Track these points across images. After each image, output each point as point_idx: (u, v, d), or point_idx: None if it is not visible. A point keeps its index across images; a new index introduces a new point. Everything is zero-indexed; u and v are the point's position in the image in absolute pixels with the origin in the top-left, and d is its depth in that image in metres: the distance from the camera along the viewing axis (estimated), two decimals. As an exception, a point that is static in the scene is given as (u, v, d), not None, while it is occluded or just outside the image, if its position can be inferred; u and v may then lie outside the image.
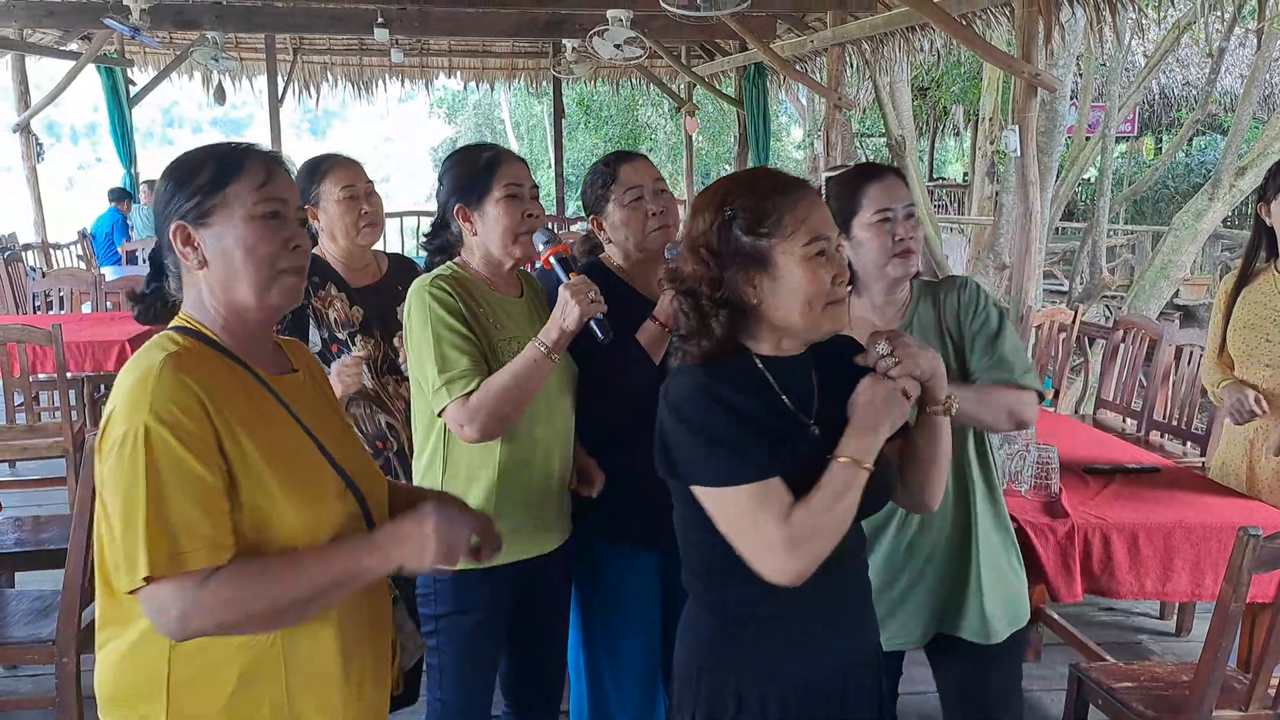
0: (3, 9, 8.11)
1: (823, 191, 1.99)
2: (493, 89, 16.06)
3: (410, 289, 1.98)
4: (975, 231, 12.03)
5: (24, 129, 9.54)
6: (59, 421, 4.50)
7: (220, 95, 10.82)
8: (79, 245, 9.57)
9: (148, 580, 1.20)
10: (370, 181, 2.60)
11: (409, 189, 26.10)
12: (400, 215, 12.87)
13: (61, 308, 6.48)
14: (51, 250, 9.31)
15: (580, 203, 2.40)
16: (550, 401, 2.00)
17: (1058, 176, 9.88)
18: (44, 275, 7.65)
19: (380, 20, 8.60)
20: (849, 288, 2.02)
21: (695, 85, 11.93)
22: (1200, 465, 3.91)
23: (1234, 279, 3.06)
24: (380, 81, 13.27)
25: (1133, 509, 2.65)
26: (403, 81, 13.57)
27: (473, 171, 2.02)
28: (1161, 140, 16.91)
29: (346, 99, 13.85)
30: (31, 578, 3.33)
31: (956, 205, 15.80)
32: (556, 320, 1.90)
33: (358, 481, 1.42)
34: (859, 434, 1.39)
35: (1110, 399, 4.62)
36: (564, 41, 10.24)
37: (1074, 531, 2.52)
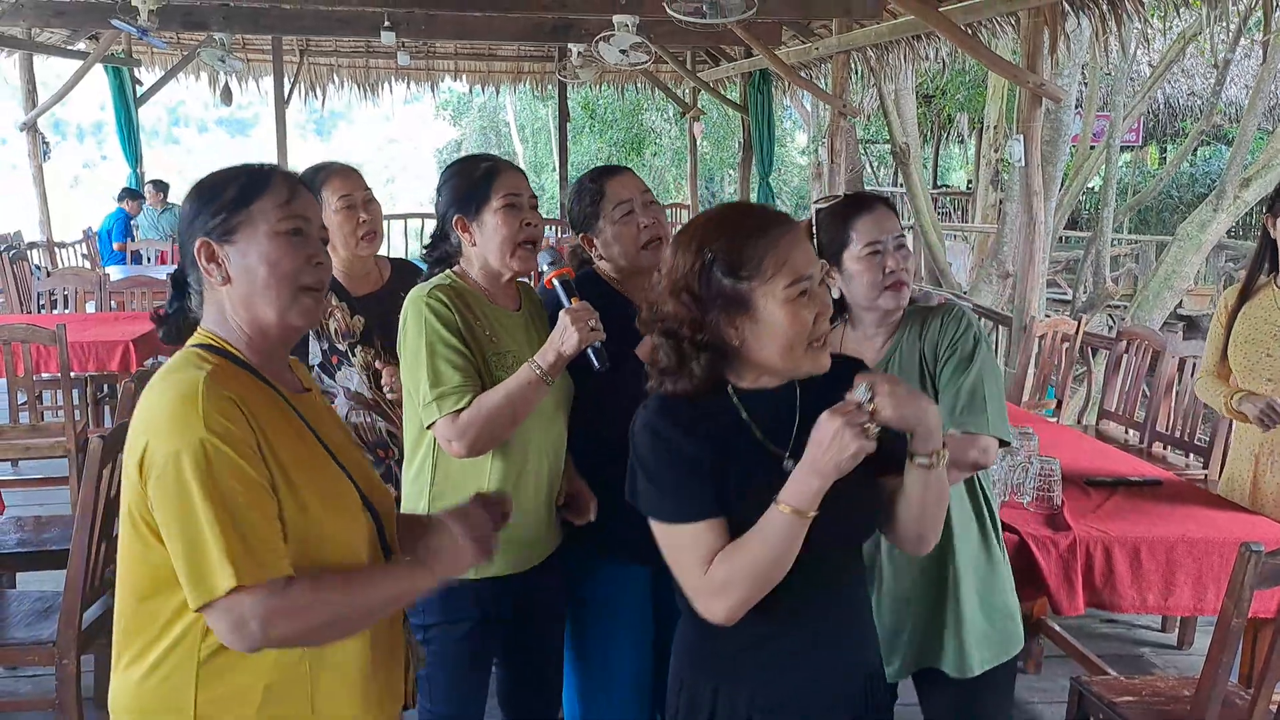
0: (11, 8, 8.13)
1: (813, 223, 1.99)
2: (498, 92, 16.11)
3: (407, 298, 1.97)
4: (979, 239, 12.04)
5: (30, 127, 9.56)
6: (62, 421, 4.50)
7: (226, 96, 10.82)
8: (84, 244, 9.58)
9: (234, 590, 1.21)
10: (368, 189, 2.55)
11: (414, 191, 26.16)
12: (404, 217, 12.91)
13: (66, 307, 6.49)
14: (56, 249, 9.33)
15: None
16: (545, 416, 1.99)
17: (1062, 185, 9.89)
18: (49, 274, 7.65)
19: (387, 23, 8.61)
20: (844, 317, 2.01)
21: (700, 90, 11.95)
22: (1203, 478, 3.91)
23: (1236, 293, 3.07)
24: (386, 83, 13.29)
25: (1135, 522, 2.65)
26: (408, 84, 13.61)
27: (471, 182, 2.01)
28: (1166, 150, 16.91)
29: (352, 100, 13.86)
30: (32, 578, 3.33)
31: (960, 213, 15.80)
32: (554, 344, 1.88)
33: (370, 498, 1.44)
34: (802, 477, 1.32)
35: (1113, 410, 4.61)
36: (570, 46, 10.26)
37: (1076, 544, 2.52)
